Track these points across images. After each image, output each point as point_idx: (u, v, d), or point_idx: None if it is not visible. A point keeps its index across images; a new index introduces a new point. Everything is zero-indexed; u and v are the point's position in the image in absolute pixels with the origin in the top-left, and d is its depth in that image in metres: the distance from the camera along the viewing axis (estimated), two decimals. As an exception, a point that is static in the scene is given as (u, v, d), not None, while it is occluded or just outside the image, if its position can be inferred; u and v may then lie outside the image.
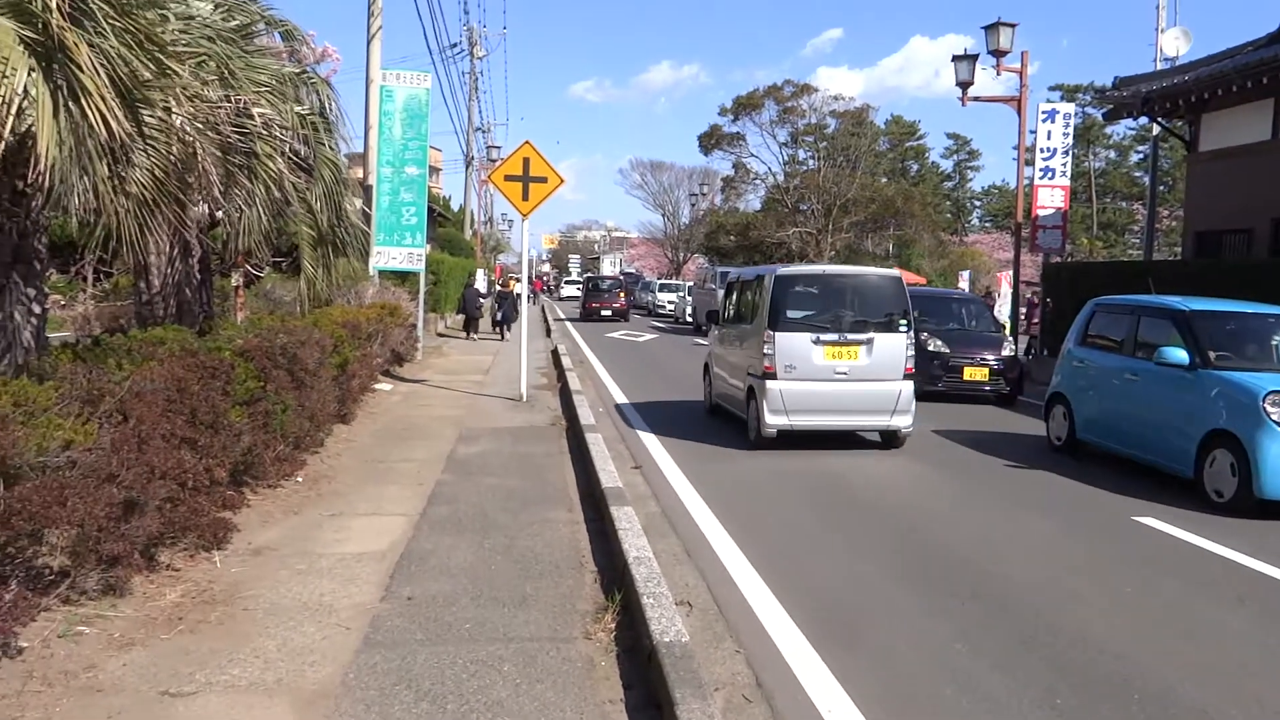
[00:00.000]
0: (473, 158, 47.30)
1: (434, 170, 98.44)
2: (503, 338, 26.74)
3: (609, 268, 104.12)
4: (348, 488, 7.95)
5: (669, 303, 43.35)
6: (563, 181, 13.07)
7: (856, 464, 9.68)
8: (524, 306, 14.00)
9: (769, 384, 9.46)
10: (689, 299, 36.48)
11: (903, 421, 9.67)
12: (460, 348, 23.09)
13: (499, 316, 27.08)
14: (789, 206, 51.49)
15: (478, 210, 58.21)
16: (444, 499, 7.69)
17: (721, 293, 12.91)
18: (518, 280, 30.11)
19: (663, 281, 52.70)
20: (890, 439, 9.90)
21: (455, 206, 60.43)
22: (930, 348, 15.02)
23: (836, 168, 50.61)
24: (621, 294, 36.73)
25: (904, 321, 9.46)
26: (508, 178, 13.03)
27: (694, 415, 12.79)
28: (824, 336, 9.40)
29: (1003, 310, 23.78)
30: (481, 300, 27.42)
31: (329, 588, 5.67)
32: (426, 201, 17.81)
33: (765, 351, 9.51)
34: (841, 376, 9.42)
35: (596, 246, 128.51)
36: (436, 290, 26.23)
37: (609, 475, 7.92)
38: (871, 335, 9.43)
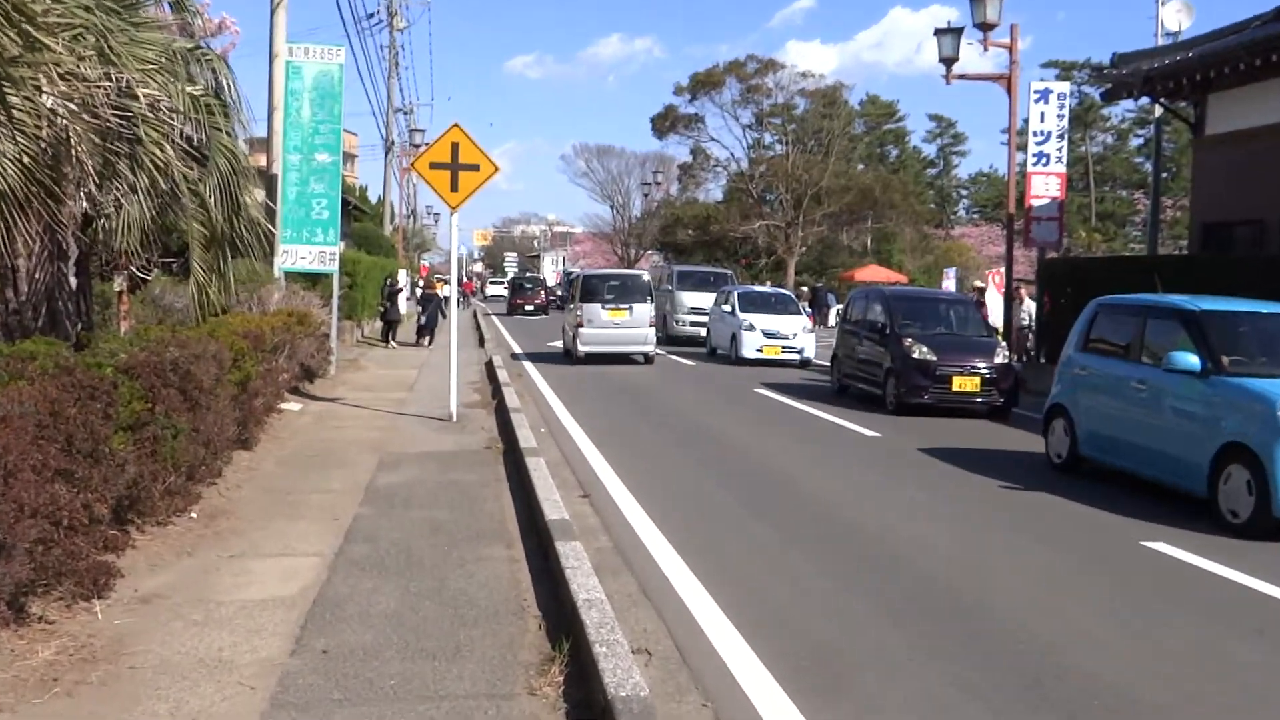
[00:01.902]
0: (393, 142, 47.01)
1: (349, 157, 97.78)
2: (424, 345, 26.74)
3: (550, 267, 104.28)
4: (251, 524, 7.84)
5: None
6: (497, 169, 13.03)
7: (825, 470, 9.81)
8: (453, 311, 13.89)
9: (580, 330, 22.69)
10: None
11: (650, 349, 22.97)
12: (380, 359, 22.89)
13: (422, 322, 27.04)
14: (754, 197, 51.98)
15: (399, 202, 58.01)
16: (363, 535, 7.60)
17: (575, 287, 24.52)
18: (445, 282, 29.95)
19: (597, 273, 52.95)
20: (647, 359, 23.09)
21: (373, 198, 60.08)
22: (915, 355, 15.19)
23: (807, 153, 51.18)
24: (542, 291, 49.10)
25: (649, 297, 23.15)
26: (434, 165, 12.96)
27: (649, 433, 12.84)
28: (607, 304, 22.86)
29: (996, 312, 24.16)
30: (405, 304, 27.25)
31: (230, 640, 5.55)
32: (340, 193, 17.67)
33: (578, 314, 22.89)
34: (616, 325, 22.74)
35: (536, 243, 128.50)
36: (352, 294, 26.05)
37: (553, 505, 7.90)
38: (632, 304, 22.90)
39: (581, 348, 23.38)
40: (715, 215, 52.41)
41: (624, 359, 23.01)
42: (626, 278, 24.41)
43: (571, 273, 61.86)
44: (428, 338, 27.14)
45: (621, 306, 23.72)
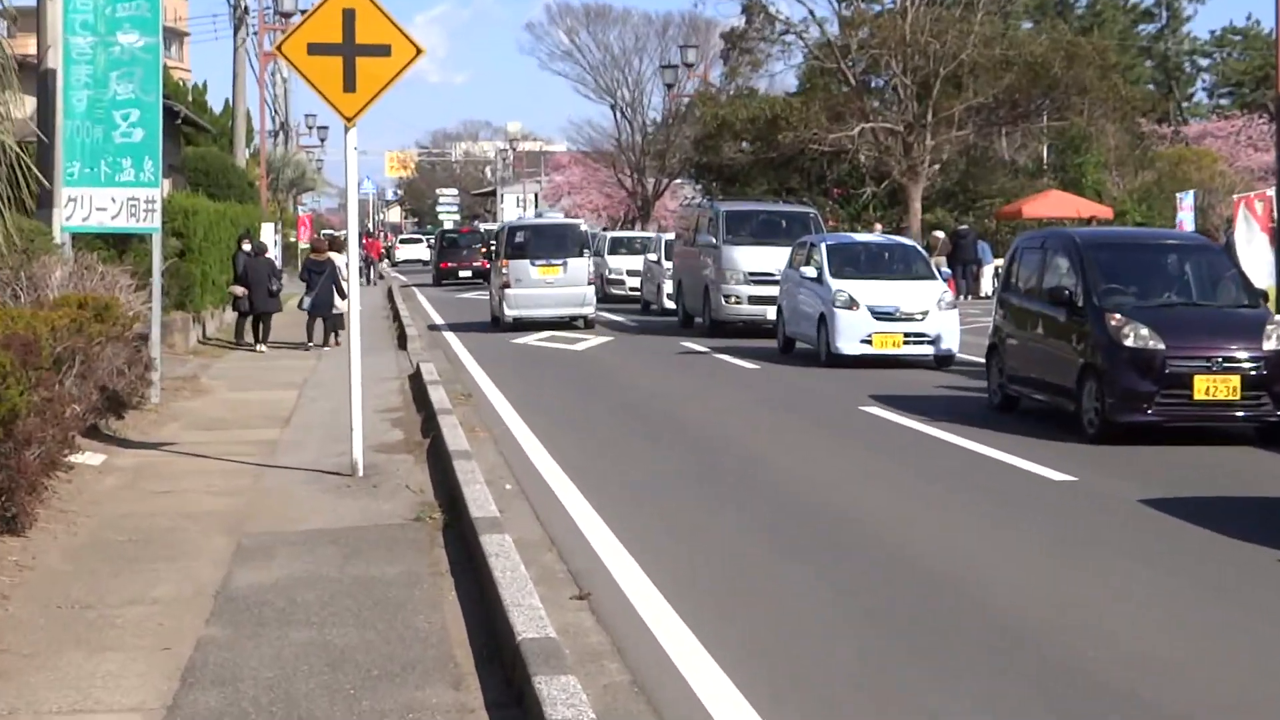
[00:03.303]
0: (246, 11, 47.10)
1: (174, 36, 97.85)
2: (322, 347, 27.13)
3: (513, 211, 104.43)
4: (25, 661, 7.82)
5: (628, 273, 43.84)
6: (420, 52, 12.99)
7: (996, 549, 9.76)
8: (353, 288, 13.87)
9: (506, 291, 31.25)
10: (665, 265, 36.80)
11: (588, 311, 31.33)
12: (237, 371, 22.91)
13: (306, 306, 27.21)
14: (852, 82, 51.86)
15: (261, 111, 58.14)
16: (213, 677, 7.58)
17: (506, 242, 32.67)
18: (337, 239, 30.00)
19: (617, 234, 52.78)
20: (586, 323, 31.18)
21: (217, 104, 60.29)
22: (1129, 341, 15.11)
23: (938, 6, 51.02)
24: (481, 249, 52.43)
25: (585, 249, 31.98)
26: (315, 48, 12.95)
27: (686, 485, 12.81)
28: (537, 260, 31.03)
29: (1261, 261, 23.99)
30: (275, 283, 27.38)
31: None
32: (161, 98, 17.68)
33: (504, 272, 31.33)
34: (548, 284, 30.99)
35: (490, 172, 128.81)
36: (187, 266, 26.11)
37: (528, 616, 7.86)
38: (565, 259, 30.77)
39: (509, 311, 31.39)
40: (786, 115, 52.13)
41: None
42: (559, 228, 32.11)
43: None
44: (331, 335, 27.22)
45: (554, 262, 31.06)
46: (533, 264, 31.07)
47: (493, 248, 38.41)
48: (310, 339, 27.36)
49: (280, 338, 27.98)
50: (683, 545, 10.70)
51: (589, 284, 31.66)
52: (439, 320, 36.11)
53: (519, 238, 32.33)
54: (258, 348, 26.95)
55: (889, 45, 49.68)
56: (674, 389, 21.02)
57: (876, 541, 10.89)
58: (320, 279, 27.08)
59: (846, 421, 17.27)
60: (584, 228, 32.42)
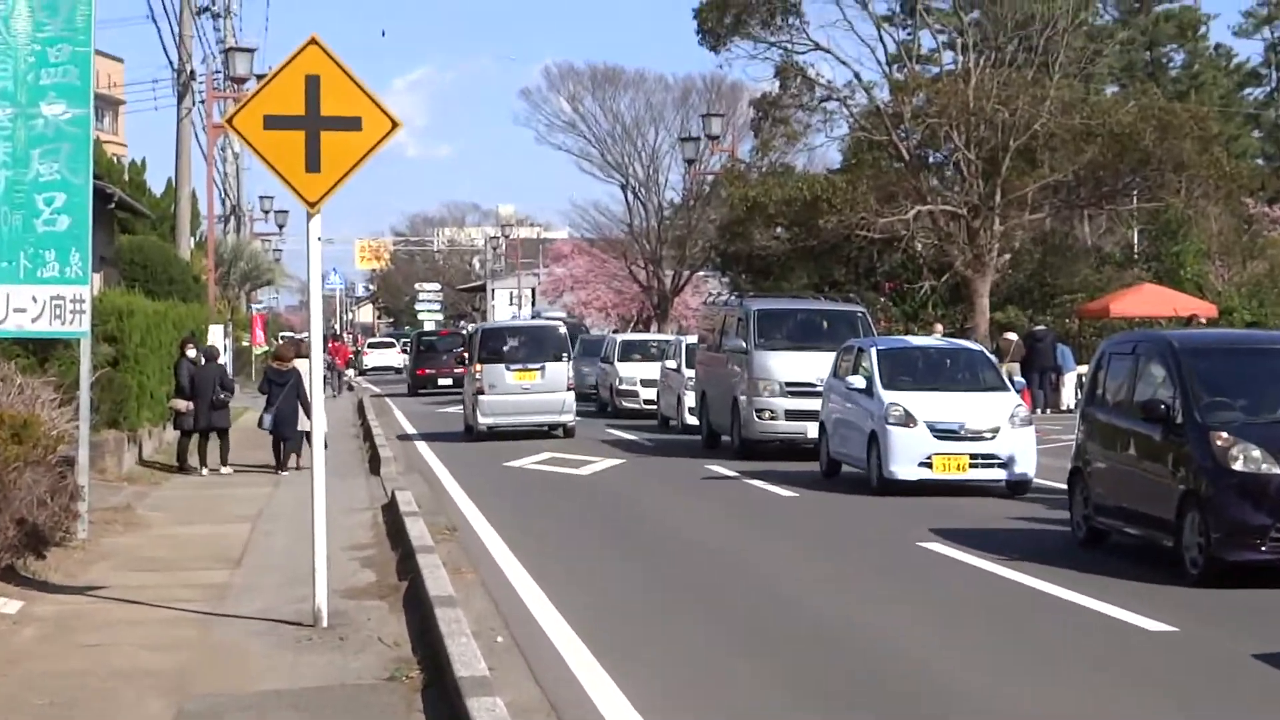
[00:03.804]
0: (192, 76, 47.50)
1: (108, 105, 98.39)
2: (284, 470, 27.16)
3: (508, 310, 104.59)
4: None
5: (643, 382, 43.75)
6: (397, 126, 13.04)
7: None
8: (316, 399, 13.87)
9: (480, 398, 34.66)
10: (686, 374, 36.77)
11: (568, 419, 34.93)
12: (179, 500, 22.91)
13: (267, 424, 27.22)
14: (905, 157, 52.03)
15: (209, 193, 58.49)
16: None
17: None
18: (298, 345, 30.07)
19: (629, 337, 52.73)
20: (565, 432, 34.88)
21: (158, 187, 60.45)
22: (1238, 465, 15.03)
23: (1006, 66, 51.24)
24: (465, 353, 52.63)
25: (565, 354, 35.67)
26: (272, 122, 13.01)
27: (711, 639, 12.75)
28: (513, 365, 34.94)
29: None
30: (223, 394, 27.41)
31: None
32: (91, 180, 17.78)
33: (477, 378, 34.90)
34: (525, 390, 34.79)
35: (479, 263, 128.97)
36: (121, 377, 26.12)
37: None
38: (544, 364, 34.84)
39: (482, 419, 34.76)
40: (828, 195, 52.12)
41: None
42: (536, 330, 36.76)
43: (542, 316, 63.81)
44: (291, 456, 27.23)
45: (531, 367, 34.90)
46: (508, 369, 34.70)
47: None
48: (282, 462, 27.40)
49: (245, 459, 27.97)
50: (701, 701, 10.64)
51: (568, 390, 35.02)
52: (417, 439, 36.10)
53: (493, 341, 36.18)
54: (201, 469, 26.96)
55: (949, 114, 49.74)
56: (697, 522, 20.98)
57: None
58: (283, 391, 27.09)
59: (903, 561, 17.18)
60: (562, 330, 36.79)
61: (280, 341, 33.87)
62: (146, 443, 29.34)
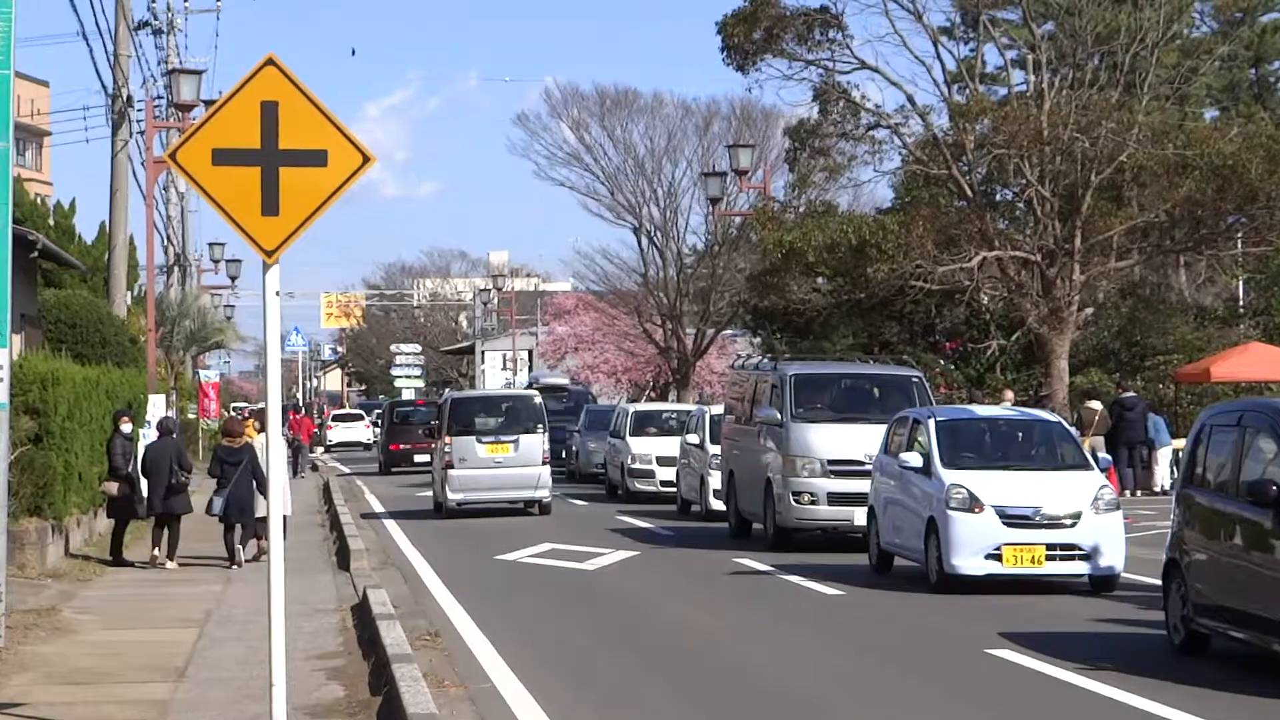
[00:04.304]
0: (129, 102, 47.65)
1: (31, 136, 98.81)
2: (231, 561, 27.22)
3: (500, 376, 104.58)
4: None
5: (659, 460, 43.71)
6: (369, 161, 13.01)
7: None
8: (275, 481, 13.87)
9: (449, 473, 38.27)
10: (711, 451, 36.70)
11: (543, 495, 38.94)
12: (114, 601, 22.90)
13: (217, 509, 27.20)
14: (968, 194, 51.93)
15: (149, 240, 58.48)
16: None
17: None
18: (252, 420, 30.09)
19: (643, 407, 52.74)
20: (541, 509, 38.94)
21: (89, 233, 60.48)
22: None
23: (1087, 88, 51.23)
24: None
25: (540, 425, 39.17)
26: (223, 156, 12.97)
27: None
28: (484, 437, 38.94)
29: None
30: (182, 474, 27.46)
31: None
32: (9, 224, 17.82)
33: (446, 451, 38.64)
34: (497, 464, 38.70)
35: (466, 320, 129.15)
36: (45, 455, 26.10)
37: None
38: (517, 436, 38.78)
39: (451, 495, 38.07)
40: (878, 240, 52.01)
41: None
42: (509, 399, 40.63)
43: (541, 381, 64.27)
44: (250, 543, 27.23)
45: (504, 439, 38.40)
46: (479, 441, 38.36)
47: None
48: (235, 555, 27.41)
49: (192, 551, 27.95)
50: None
51: (543, 463, 38.62)
52: (392, 525, 36.13)
53: (464, 411, 39.97)
54: (166, 564, 26.94)
55: (1019, 143, 49.56)
56: (724, 626, 20.94)
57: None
58: (236, 472, 27.10)
59: (969, 672, 17.12)
60: (537, 400, 41.06)
61: (231, 414, 33.88)
62: (74, 533, 29.31)
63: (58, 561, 26.82)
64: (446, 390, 75.52)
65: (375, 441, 76.21)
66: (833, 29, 53.92)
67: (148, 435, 33.05)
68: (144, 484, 27.94)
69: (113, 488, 27.25)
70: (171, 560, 27.24)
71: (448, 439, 37.98)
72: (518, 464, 38.00)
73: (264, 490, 25.66)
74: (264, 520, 26.13)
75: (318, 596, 22.80)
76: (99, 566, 27.22)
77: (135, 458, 28.07)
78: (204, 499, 28.80)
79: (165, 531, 27.38)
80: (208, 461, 33.79)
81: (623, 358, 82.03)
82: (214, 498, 27.52)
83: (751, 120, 69.41)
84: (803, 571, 25.87)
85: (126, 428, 27.82)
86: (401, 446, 59.59)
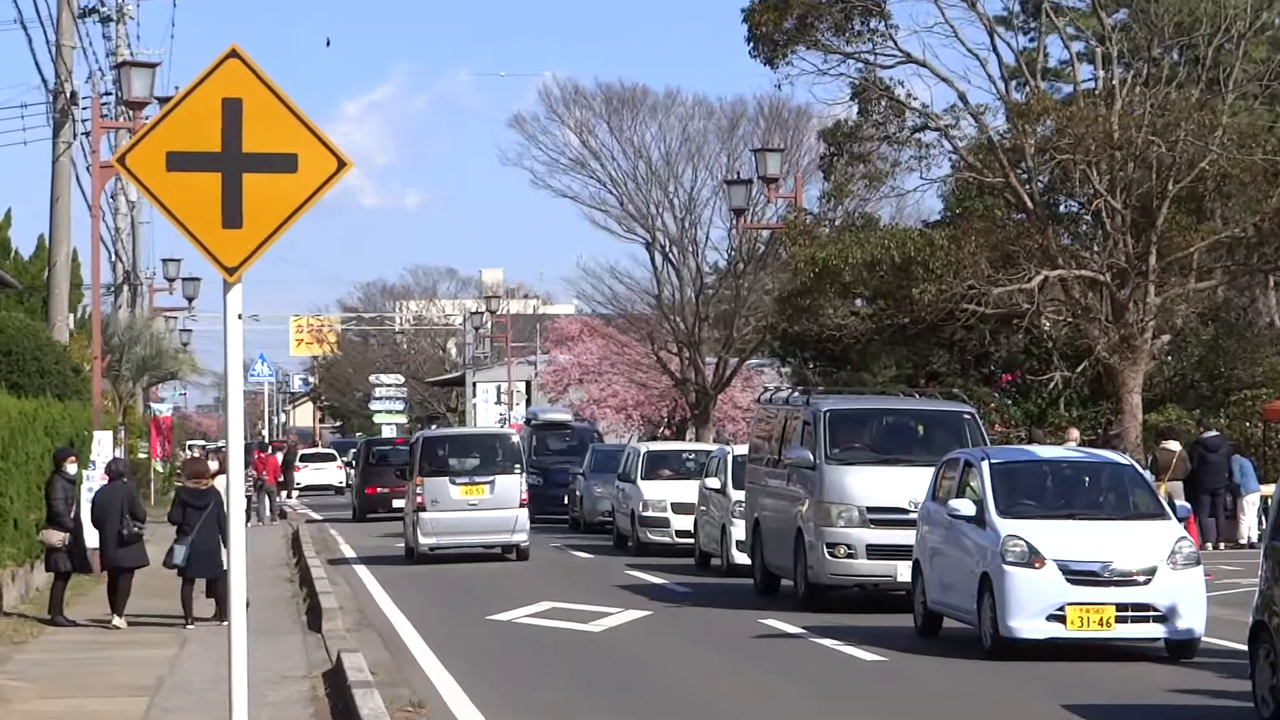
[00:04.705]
0: (73, 99, 47.73)
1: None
2: (188, 619, 27.38)
3: (494, 410, 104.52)
4: None
5: (675, 508, 43.69)
6: (345, 166, 13.01)
7: None
8: (234, 532, 13.86)
9: (421, 516, 41.78)
10: (734, 497, 36.67)
11: (520, 539, 42.24)
12: (51, 665, 22.96)
13: (179, 559, 27.30)
14: (1029, 205, 51.79)
15: (94, 256, 58.52)
16: None
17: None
18: (213, 460, 30.16)
19: (656, 448, 52.73)
20: (518, 554, 42.55)
21: (26, 247, 60.54)
22: None
23: (1164, 85, 51.11)
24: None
25: (517, 465, 43.40)
26: (178, 161, 12.96)
27: None
28: (458, 478, 42.77)
29: None
30: (135, 524, 27.50)
31: None
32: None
33: (417, 493, 42.25)
34: (471, 506, 42.40)
35: (455, 347, 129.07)
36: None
37: None
38: (494, 476, 42.48)
39: (423, 540, 40.94)
40: (924, 257, 51.88)
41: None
42: (485, 438, 44.12)
43: (541, 417, 65.08)
44: (220, 600, 27.28)
45: (479, 480, 41.49)
46: (453, 483, 41.61)
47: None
48: (189, 612, 27.43)
49: (142, 608, 27.96)
50: None
51: (521, 506, 41.73)
52: (368, 579, 36.17)
53: (436, 450, 43.40)
54: (114, 621, 26.95)
55: (1087, 147, 49.35)
56: (750, 698, 20.91)
57: None
58: (201, 518, 27.09)
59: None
60: (515, 439, 44.93)
61: (190, 453, 33.90)
62: (8, 588, 29.33)
63: (-4, 615, 26.85)
64: (433, 426, 75.58)
65: (349, 485, 76.11)
66: (874, 17, 53.72)
67: (93, 478, 33.11)
68: (89, 534, 27.97)
69: (54, 537, 27.22)
70: (120, 618, 27.23)
71: (419, 480, 41.07)
72: (494, 506, 41.05)
73: (224, 542, 25.73)
74: (220, 579, 26.28)
75: (285, 662, 22.80)
76: (36, 626, 27.22)
77: (78, 503, 28.05)
78: (159, 549, 28.84)
79: (116, 587, 27.32)
80: (161, 508, 33.83)
81: (634, 390, 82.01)
82: (175, 546, 27.48)
83: (781, 121, 69.50)
84: (839, 634, 25.86)
85: (71, 469, 27.87)
86: (378, 490, 60.30)
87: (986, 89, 54.51)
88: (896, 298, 51.04)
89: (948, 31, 51.41)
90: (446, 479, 40.87)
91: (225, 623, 25.61)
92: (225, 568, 26.18)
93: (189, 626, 26.95)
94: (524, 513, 41.25)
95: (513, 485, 40.91)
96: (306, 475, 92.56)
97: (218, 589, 27.19)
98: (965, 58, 53.35)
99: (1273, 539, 18.57)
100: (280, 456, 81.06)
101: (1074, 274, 49.56)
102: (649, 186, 72.06)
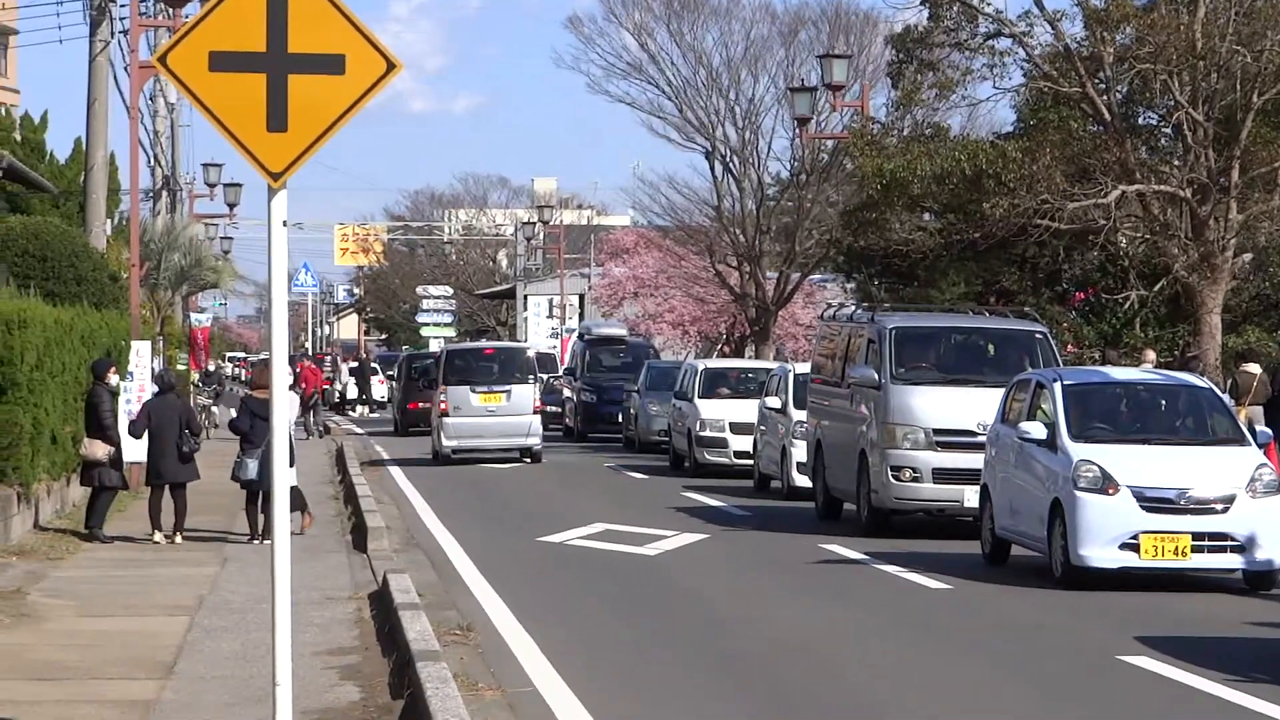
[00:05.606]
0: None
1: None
2: (253, 535, 27.50)
3: (545, 324, 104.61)
4: None
5: (733, 428, 43.61)
6: (395, 68, 12.96)
7: None
8: (280, 446, 13.84)
9: (445, 421, 50.49)
10: (795, 417, 36.57)
11: (534, 443, 50.67)
12: (90, 582, 23.04)
13: (252, 473, 27.23)
14: (1107, 117, 51.49)
15: (133, 159, 58.53)
16: None
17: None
18: (251, 372, 30.16)
19: (714, 364, 52.73)
20: (532, 456, 51.19)
21: (63, 151, 60.54)
22: None
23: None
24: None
25: (531, 376, 53.00)
26: (221, 61, 12.91)
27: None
28: (478, 387, 51.46)
29: None
30: (193, 439, 27.54)
31: None
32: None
33: (441, 400, 51.07)
34: (490, 413, 51.14)
35: (506, 259, 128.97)
36: (9, 411, 26.12)
37: None
38: (510, 386, 51.38)
39: (446, 442, 48.32)
40: (996, 170, 51.60)
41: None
42: (503, 352, 50.43)
43: (594, 332, 66.29)
44: (261, 516, 27.12)
45: (496, 389, 48.56)
46: (473, 391, 48.81)
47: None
48: (257, 529, 27.44)
49: (193, 522, 28.02)
50: None
51: (534, 413, 49.48)
52: (415, 498, 36.16)
53: (459, 362, 50.53)
54: (175, 539, 26.96)
55: (1168, 57, 48.98)
56: (809, 625, 20.98)
57: None
58: (253, 432, 26.99)
59: (1099, 682, 17.05)
60: (530, 352, 52.41)
61: (252, 367, 33.77)
62: (45, 502, 29.38)
63: (24, 536, 26.90)
64: (482, 340, 76.06)
65: (390, 399, 76.12)
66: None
67: (130, 390, 33.15)
68: (130, 447, 27.99)
69: (99, 450, 27.10)
70: (179, 535, 27.24)
71: (443, 389, 48.53)
72: (510, 413, 48.57)
73: (292, 456, 25.77)
74: (296, 490, 26.26)
75: (330, 582, 22.85)
76: (73, 542, 27.26)
77: (116, 416, 28.06)
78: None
79: (171, 503, 27.30)
80: (230, 414, 33.79)
81: (691, 305, 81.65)
82: (244, 460, 27.50)
83: (847, 26, 69.03)
84: (902, 561, 25.85)
85: (114, 380, 27.86)
86: (420, 405, 60.36)
87: (1066, -5, 54.18)
88: (966, 212, 50.89)
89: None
90: (468, 388, 48.03)
91: (261, 540, 25.91)
92: (295, 482, 26.44)
93: (253, 543, 26.87)
94: (537, 419, 48.81)
95: (527, 394, 48.36)
96: (356, 386, 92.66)
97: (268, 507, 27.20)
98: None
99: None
100: (349, 367, 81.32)
101: (1152, 189, 49.10)
102: (709, 93, 71.55)
